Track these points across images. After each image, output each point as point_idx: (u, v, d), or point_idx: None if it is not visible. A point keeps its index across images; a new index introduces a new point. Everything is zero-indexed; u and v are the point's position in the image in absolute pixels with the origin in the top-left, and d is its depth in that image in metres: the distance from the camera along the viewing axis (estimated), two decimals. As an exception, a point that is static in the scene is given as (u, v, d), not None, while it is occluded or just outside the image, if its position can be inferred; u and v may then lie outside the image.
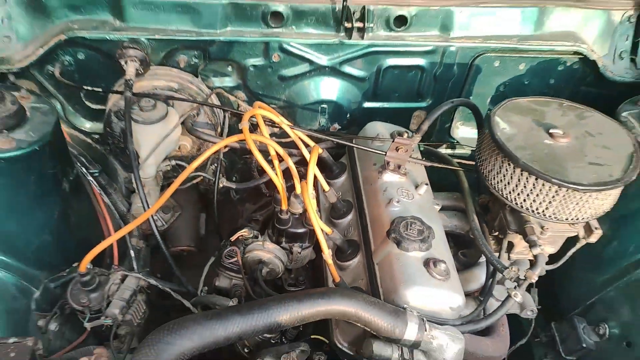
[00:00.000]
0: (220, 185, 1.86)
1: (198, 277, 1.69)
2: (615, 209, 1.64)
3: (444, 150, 2.17)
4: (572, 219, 1.38)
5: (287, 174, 1.58)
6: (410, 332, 1.24)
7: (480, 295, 1.59)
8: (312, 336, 1.52)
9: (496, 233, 1.62)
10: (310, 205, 1.39)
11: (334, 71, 1.92)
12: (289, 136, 1.66)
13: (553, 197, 1.35)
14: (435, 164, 1.72)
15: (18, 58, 1.75)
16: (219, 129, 1.95)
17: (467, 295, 1.64)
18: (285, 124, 1.62)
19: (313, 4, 1.77)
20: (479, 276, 1.66)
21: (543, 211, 1.38)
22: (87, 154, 1.93)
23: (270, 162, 1.55)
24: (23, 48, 1.75)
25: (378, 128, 1.83)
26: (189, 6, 1.73)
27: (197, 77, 1.89)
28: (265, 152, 1.56)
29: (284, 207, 1.57)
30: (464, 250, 1.77)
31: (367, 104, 2.04)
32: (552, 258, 1.64)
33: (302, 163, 1.64)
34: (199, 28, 1.78)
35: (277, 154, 1.54)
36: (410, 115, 2.08)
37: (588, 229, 1.51)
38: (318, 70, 1.91)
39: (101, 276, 1.51)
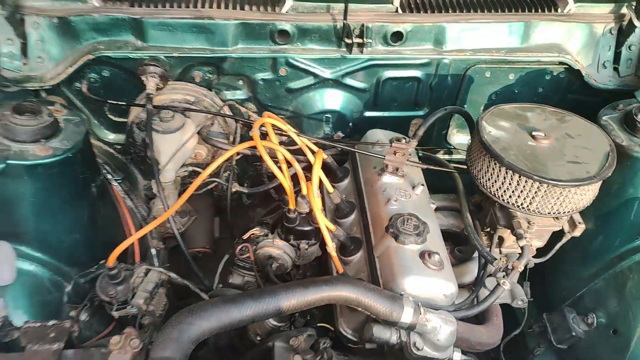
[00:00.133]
0: (233, 190, 2.02)
1: (213, 276, 1.83)
2: (599, 206, 1.78)
3: (441, 156, 2.30)
4: (554, 213, 1.51)
5: (295, 179, 1.73)
6: (407, 315, 1.37)
7: (474, 286, 1.72)
8: (319, 324, 1.65)
9: (488, 229, 1.75)
10: (315, 204, 1.54)
11: (336, 83, 2.08)
12: (296, 144, 1.81)
13: (535, 192, 1.48)
14: (431, 167, 1.86)
15: (50, 76, 1.92)
16: (231, 138, 2.11)
17: (462, 286, 1.78)
18: (292, 131, 1.78)
19: (316, 23, 1.93)
20: (473, 269, 1.78)
21: (527, 206, 1.52)
22: (111, 163, 2.10)
23: (279, 167, 1.70)
24: (54, 67, 1.93)
25: (378, 135, 1.98)
26: (203, 26, 1.90)
27: (211, 90, 2.05)
28: (274, 159, 1.71)
29: (292, 206, 1.72)
30: (460, 247, 1.90)
31: (368, 113, 2.19)
32: (541, 252, 1.77)
33: (308, 169, 1.79)
34: (213, 46, 1.94)
35: (285, 158, 1.70)
36: (409, 123, 2.22)
37: (572, 224, 1.65)
38: (322, 82, 2.07)
39: (126, 271, 1.65)
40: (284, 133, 1.83)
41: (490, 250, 1.69)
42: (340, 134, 2.22)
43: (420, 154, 2.12)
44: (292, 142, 1.83)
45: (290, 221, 1.75)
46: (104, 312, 1.68)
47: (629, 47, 2.06)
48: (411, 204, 1.70)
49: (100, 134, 2.18)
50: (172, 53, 1.93)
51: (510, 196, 1.53)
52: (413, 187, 1.77)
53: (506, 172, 1.49)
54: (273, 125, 1.79)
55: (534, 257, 1.73)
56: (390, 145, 1.77)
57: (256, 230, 1.78)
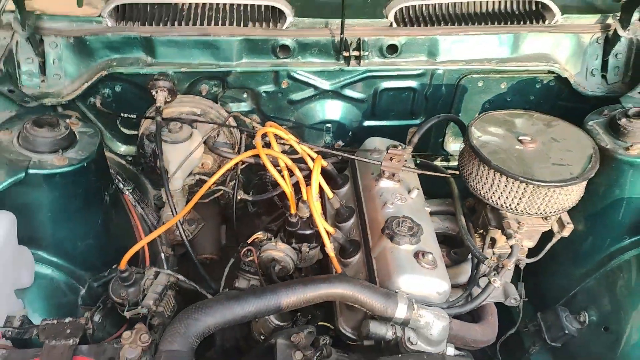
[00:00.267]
0: (238, 197, 2.12)
1: (220, 281, 1.92)
2: (589, 207, 1.86)
3: (438, 163, 2.39)
4: (541, 213, 1.59)
5: (296, 186, 1.82)
6: (400, 311, 1.45)
7: (467, 285, 1.79)
8: (320, 323, 1.73)
9: (481, 230, 1.83)
10: (314, 208, 1.63)
11: (336, 94, 2.18)
12: (298, 152, 1.90)
13: (522, 193, 1.56)
14: (426, 172, 1.95)
15: (66, 92, 2.04)
16: (236, 148, 2.21)
17: (458, 286, 1.85)
18: (292, 140, 1.88)
19: (315, 38, 2.04)
20: (468, 270, 1.85)
21: (515, 207, 1.60)
22: (122, 173, 2.21)
23: (281, 174, 1.79)
24: (70, 84, 2.05)
25: (376, 142, 2.07)
26: (209, 43, 2.02)
27: (217, 103, 2.16)
28: (277, 167, 1.81)
29: (293, 211, 1.81)
30: (456, 249, 1.97)
31: (367, 123, 2.29)
32: (534, 253, 1.84)
33: (310, 176, 1.88)
34: (218, 61, 2.06)
35: (286, 166, 1.79)
36: (406, 131, 2.31)
37: (561, 224, 1.72)
38: (322, 94, 2.17)
39: (137, 274, 1.75)
40: (286, 142, 1.92)
41: (482, 251, 1.76)
42: (340, 142, 2.32)
43: (418, 161, 2.21)
44: (294, 151, 1.93)
45: (291, 225, 1.84)
46: (117, 314, 1.77)
47: (616, 56, 2.15)
48: (407, 207, 1.78)
49: (113, 146, 2.29)
50: (180, 68, 2.05)
51: (499, 197, 1.61)
52: (409, 192, 1.85)
53: (494, 175, 1.58)
54: (275, 135, 1.88)
55: (525, 257, 1.80)
56: (387, 152, 1.86)
57: (260, 235, 1.87)
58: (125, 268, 1.68)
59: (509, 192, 1.58)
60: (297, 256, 1.88)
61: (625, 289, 1.78)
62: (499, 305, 1.89)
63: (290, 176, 1.84)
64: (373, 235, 1.75)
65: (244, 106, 2.20)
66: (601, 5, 2.18)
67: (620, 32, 2.08)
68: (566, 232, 1.70)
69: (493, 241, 1.77)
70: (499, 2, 2.17)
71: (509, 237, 1.63)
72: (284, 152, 2.19)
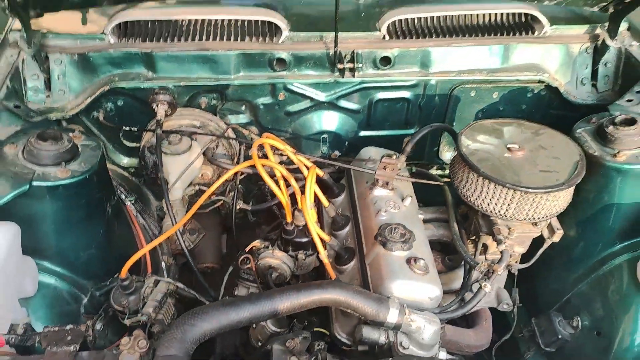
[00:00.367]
0: (238, 207, 2.17)
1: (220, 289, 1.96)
2: (580, 213, 1.90)
3: (434, 171, 2.43)
4: (530, 219, 1.63)
5: (294, 196, 1.86)
6: (392, 316, 1.48)
7: (460, 290, 1.82)
8: (315, 329, 1.77)
9: (473, 237, 1.86)
10: (308, 215, 1.67)
11: (332, 105, 2.24)
12: (295, 163, 1.95)
13: (511, 200, 1.60)
14: (419, 180, 1.99)
15: (70, 107, 2.11)
16: (235, 159, 2.27)
17: (452, 292, 1.88)
18: (289, 150, 1.93)
19: (310, 51, 2.10)
20: (462, 276, 1.89)
21: (504, 213, 1.64)
22: (125, 185, 2.27)
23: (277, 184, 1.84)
24: (74, 98, 2.13)
25: (371, 152, 2.11)
26: (207, 57, 2.09)
27: (216, 115, 2.23)
28: (274, 177, 1.86)
29: (289, 219, 1.86)
30: (450, 255, 2.01)
31: (362, 133, 2.34)
32: (527, 259, 1.87)
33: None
34: (217, 75, 2.12)
35: (282, 175, 1.84)
36: (402, 141, 2.35)
37: (551, 230, 1.75)
38: (318, 105, 2.23)
39: (138, 282, 1.80)
40: (283, 153, 1.98)
41: (475, 257, 1.80)
42: (337, 152, 2.37)
43: (413, 170, 2.25)
44: (292, 161, 1.98)
45: (288, 233, 1.88)
46: (118, 322, 1.81)
47: (605, 65, 2.19)
48: (400, 215, 1.82)
49: (116, 159, 2.36)
50: (179, 82, 2.12)
51: (488, 204, 1.65)
52: (402, 199, 1.90)
53: (483, 182, 1.62)
54: (272, 146, 1.94)
55: (519, 262, 1.83)
56: (380, 161, 1.91)
57: (257, 243, 1.91)
58: (125, 276, 1.73)
59: (498, 199, 1.62)
60: (294, 263, 1.92)
61: (616, 294, 1.80)
62: (495, 310, 1.92)
63: (288, 186, 1.89)
64: (367, 242, 1.79)
65: (243, 118, 2.26)
66: (589, 16, 2.23)
67: (609, 42, 2.12)
68: (556, 238, 1.73)
69: (485, 247, 1.80)
70: (489, 14, 2.23)
71: (499, 242, 1.66)
72: (282, 162, 2.26)
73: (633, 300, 1.74)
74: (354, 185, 2.06)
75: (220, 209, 2.34)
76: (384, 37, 2.15)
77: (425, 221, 1.99)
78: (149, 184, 2.35)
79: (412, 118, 2.30)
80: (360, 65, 2.12)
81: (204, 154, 2.09)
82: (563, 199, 1.62)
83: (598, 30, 2.17)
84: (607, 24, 2.14)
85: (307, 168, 1.92)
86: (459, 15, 2.22)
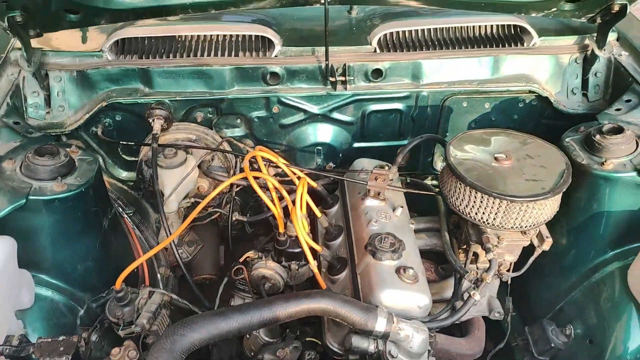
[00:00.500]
0: (234, 219, 2.20)
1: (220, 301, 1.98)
2: (571, 221, 1.91)
3: (429, 181, 2.45)
4: (517, 227, 1.64)
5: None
6: (380, 325, 1.49)
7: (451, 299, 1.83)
8: (308, 338, 1.78)
9: (464, 246, 1.88)
10: (298, 226, 1.70)
11: (325, 118, 2.27)
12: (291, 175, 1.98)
13: (497, 208, 1.62)
14: (410, 190, 2.01)
15: (69, 122, 2.17)
16: (231, 172, 2.30)
17: (444, 301, 1.89)
18: (281, 162, 1.96)
19: (303, 65, 2.14)
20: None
21: (492, 222, 1.65)
22: (124, 198, 2.31)
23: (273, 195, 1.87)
24: (74, 114, 2.18)
25: (364, 163, 2.14)
26: (202, 72, 2.14)
27: (211, 129, 2.27)
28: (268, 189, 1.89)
29: (281, 230, 1.88)
30: (443, 265, 2.02)
31: (356, 144, 2.37)
32: (519, 267, 1.88)
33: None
34: (211, 89, 2.17)
35: (274, 187, 1.87)
36: (395, 152, 2.38)
37: (540, 238, 1.76)
38: (312, 118, 2.26)
39: (133, 294, 1.83)
40: (275, 165, 2.01)
41: (465, 266, 1.81)
42: (331, 164, 2.40)
43: (408, 180, 2.27)
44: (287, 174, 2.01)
45: (280, 244, 1.91)
46: (114, 334, 1.83)
47: (595, 74, 2.21)
48: (391, 225, 1.84)
49: (115, 172, 2.41)
50: (175, 97, 2.16)
51: (476, 213, 1.66)
52: (394, 210, 1.92)
53: (470, 191, 1.64)
54: (267, 158, 1.97)
55: (509, 271, 1.84)
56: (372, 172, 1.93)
57: (251, 254, 1.94)
58: (120, 288, 1.76)
59: (485, 208, 1.63)
60: (287, 274, 1.94)
61: (608, 302, 1.81)
62: (491, 319, 1.92)
63: (281, 198, 1.92)
64: (358, 252, 1.81)
65: (238, 131, 2.30)
66: (578, 27, 2.26)
67: (597, 52, 2.15)
68: (546, 246, 1.74)
69: (476, 256, 1.81)
70: (479, 26, 2.26)
71: (487, 251, 1.68)
72: (277, 174, 2.29)
73: (625, 308, 1.75)
74: (347, 196, 2.09)
75: (218, 221, 2.38)
76: (375, 50, 2.18)
77: (418, 231, 2.01)
78: (147, 197, 2.39)
79: (406, 129, 2.32)
80: (352, 78, 2.16)
81: (199, 167, 2.13)
82: (550, 207, 1.63)
83: (587, 41, 2.20)
84: (595, 34, 2.16)
85: (299, 179, 1.95)
86: (448, 27, 2.25)
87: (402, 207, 1.92)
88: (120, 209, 2.17)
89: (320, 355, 1.73)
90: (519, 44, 2.23)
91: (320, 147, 2.34)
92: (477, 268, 1.85)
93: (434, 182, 2.49)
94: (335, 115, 2.27)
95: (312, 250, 1.79)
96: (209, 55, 2.17)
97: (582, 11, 2.04)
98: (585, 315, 1.86)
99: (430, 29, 2.25)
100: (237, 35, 2.22)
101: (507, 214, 1.62)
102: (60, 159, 1.76)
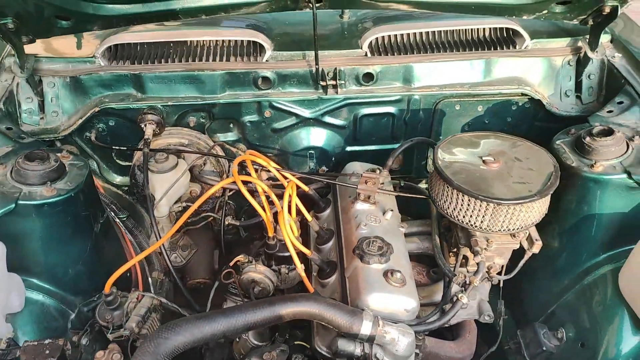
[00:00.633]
0: (226, 222, 2.21)
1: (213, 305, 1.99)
2: (563, 224, 1.90)
3: (423, 185, 2.44)
4: (505, 230, 1.63)
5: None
6: (365, 328, 1.49)
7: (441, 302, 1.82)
8: (296, 342, 1.78)
9: (454, 249, 1.87)
10: (284, 229, 1.70)
11: (317, 122, 2.28)
12: (284, 179, 1.98)
13: (485, 211, 1.61)
14: (401, 194, 2.01)
15: (63, 128, 2.19)
16: (224, 176, 2.31)
17: (435, 304, 1.88)
18: (271, 166, 1.96)
19: (293, 69, 2.15)
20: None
21: (480, 225, 1.64)
22: (118, 203, 2.32)
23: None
24: (67, 120, 2.20)
25: (356, 167, 2.14)
26: (194, 77, 2.15)
27: (204, 133, 2.28)
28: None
29: (270, 234, 1.89)
30: (435, 268, 2.01)
31: (349, 148, 2.37)
32: (511, 270, 1.86)
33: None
34: (203, 94, 2.18)
35: (263, 190, 1.88)
36: (388, 155, 2.38)
37: (530, 241, 1.75)
38: (304, 122, 2.27)
39: (123, 297, 1.83)
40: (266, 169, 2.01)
41: (455, 269, 1.80)
42: (324, 168, 2.40)
43: (402, 184, 2.27)
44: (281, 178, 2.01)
45: (270, 247, 1.91)
46: (104, 337, 1.85)
47: (589, 76, 2.20)
48: (380, 228, 1.84)
49: (109, 177, 2.42)
50: (167, 102, 2.18)
51: (464, 216, 1.66)
52: (384, 213, 1.92)
53: (457, 194, 1.63)
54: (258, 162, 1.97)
55: (499, 274, 1.83)
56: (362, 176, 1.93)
57: (241, 257, 1.94)
58: (109, 292, 1.77)
59: (472, 211, 1.63)
60: (277, 278, 1.94)
61: (600, 305, 1.79)
62: (486, 323, 1.91)
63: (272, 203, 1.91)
64: (347, 255, 1.81)
65: (231, 136, 2.31)
66: (572, 29, 2.25)
67: (590, 54, 2.14)
68: (536, 249, 1.73)
69: (466, 259, 1.80)
70: (470, 29, 2.26)
71: (475, 254, 1.67)
72: (269, 179, 2.30)
73: (617, 311, 1.73)
74: (339, 199, 2.08)
75: (213, 225, 2.38)
76: (365, 54, 2.19)
77: (411, 234, 2.01)
78: (142, 202, 2.40)
79: (398, 132, 2.32)
80: (343, 82, 2.16)
81: (190, 171, 2.14)
82: (537, 209, 1.62)
83: (580, 43, 2.19)
84: (588, 36, 2.15)
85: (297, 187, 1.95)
86: (440, 31, 2.25)
87: (392, 210, 1.91)
88: (113, 214, 2.18)
89: (309, 358, 1.73)
90: (511, 46, 2.22)
91: (312, 151, 2.35)
92: (468, 271, 1.84)
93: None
94: (328, 119, 2.27)
95: (302, 254, 1.79)
96: (200, 60, 2.19)
97: (574, 13, 2.03)
98: (577, 318, 1.85)
99: (421, 32, 2.25)
100: (229, 41, 2.24)
101: (494, 216, 1.61)
102: (50, 164, 1.77)
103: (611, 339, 1.72)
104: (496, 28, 2.25)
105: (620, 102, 2.01)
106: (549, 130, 2.22)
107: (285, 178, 1.94)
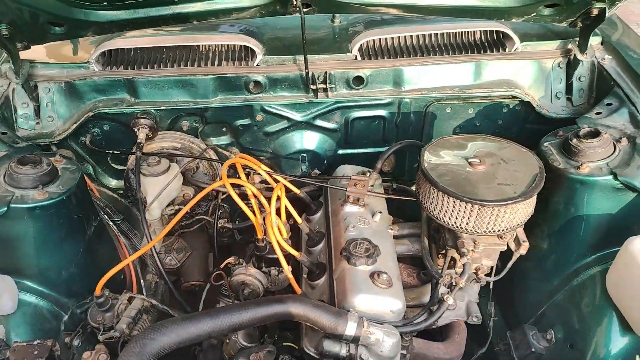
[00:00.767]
0: (219, 225, 2.23)
1: (208, 307, 2.00)
2: (552, 225, 1.90)
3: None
4: (490, 231, 1.64)
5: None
6: (350, 329, 1.50)
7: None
8: (285, 343, 1.80)
9: (443, 251, 1.88)
10: (271, 231, 1.72)
11: (309, 125, 2.29)
12: (276, 182, 1.99)
13: (470, 213, 1.62)
14: (391, 196, 2.02)
15: (58, 132, 2.22)
16: (217, 179, 2.33)
17: (423, 306, 1.89)
18: (261, 169, 1.98)
19: (284, 73, 2.18)
20: (436, 290, 1.90)
21: (465, 226, 1.65)
22: (114, 206, 2.34)
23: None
24: (62, 124, 2.23)
25: (347, 170, 2.15)
26: (186, 82, 2.18)
27: (197, 137, 2.30)
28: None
29: (259, 236, 1.90)
30: (425, 270, 2.02)
31: (341, 151, 2.39)
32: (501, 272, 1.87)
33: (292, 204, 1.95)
34: (195, 98, 2.21)
35: (253, 193, 1.90)
36: (379, 158, 2.40)
37: (517, 242, 1.76)
38: (295, 125, 2.29)
39: (114, 299, 1.86)
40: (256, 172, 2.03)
41: (443, 271, 1.80)
42: (316, 171, 2.42)
43: (394, 186, 2.28)
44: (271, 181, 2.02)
45: (259, 250, 1.93)
46: (96, 339, 1.87)
47: (579, 79, 2.20)
48: (369, 230, 1.85)
49: (104, 181, 2.45)
50: (160, 106, 2.21)
51: (449, 218, 1.67)
52: (373, 215, 1.93)
53: (442, 196, 1.64)
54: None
55: (489, 275, 1.84)
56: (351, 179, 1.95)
57: (231, 260, 1.96)
58: (100, 294, 1.79)
59: (458, 212, 1.64)
60: (267, 279, 1.96)
61: (589, 306, 1.79)
62: (478, 325, 1.91)
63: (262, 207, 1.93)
64: (336, 257, 1.82)
65: (224, 139, 2.33)
66: (562, 31, 2.25)
67: (579, 56, 2.14)
68: (523, 250, 1.73)
69: (454, 261, 1.81)
70: (460, 32, 2.27)
71: (461, 255, 1.68)
72: (262, 182, 2.31)
73: (605, 313, 1.73)
74: (330, 202, 2.10)
75: (208, 228, 2.40)
76: (355, 58, 2.21)
77: (402, 237, 2.02)
78: (136, 205, 2.42)
79: (390, 135, 2.33)
80: (333, 85, 2.18)
81: (183, 175, 2.16)
82: (522, 211, 1.63)
83: (570, 45, 2.19)
84: (577, 38, 2.16)
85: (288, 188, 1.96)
86: (430, 34, 2.26)
87: (381, 212, 1.93)
88: (107, 217, 2.20)
89: (297, 359, 1.74)
90: (500, 49, 2.23)
91: (305, 154, 2.37)
92: (456, 273, 1.85)
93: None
94: (319, 122, 2.29)
95: (292, 255, 1.80)
96: (192, 65, 2.22)
97: (562, 16, 2.03)
98: (566, 319, 1.85)
99: (412, 35, 2.26)
100: (221, 45, 2.26)
101: (479, 218, 1.62)
102: (43, 167, 1.80)
103: (599, 340, 1.72)
104: (486, 31, 2.26)
105: (609, 104, 2.02)
106: (540, 133, 2.22)
107: (277, 181, 1.96)
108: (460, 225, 1.66)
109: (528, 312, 2.01)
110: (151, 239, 1.94)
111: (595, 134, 1.80)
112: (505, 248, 1.77)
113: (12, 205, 1.70)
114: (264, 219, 1.90)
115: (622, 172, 1.71)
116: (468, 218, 1.64)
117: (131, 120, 2.17)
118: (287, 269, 1.71)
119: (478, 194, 1.61)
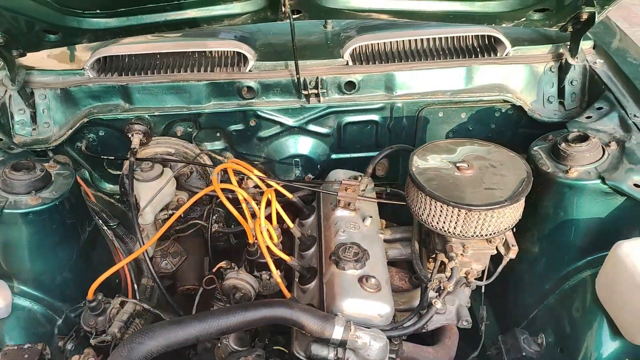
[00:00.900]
0: (213, 229, 2.24)
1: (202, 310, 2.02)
2: (542, 229, 1.91)
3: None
4: (477, 235, 1.64)
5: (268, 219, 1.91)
6: (337, 333, 1.51)
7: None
8: (275, 347, 1.81)
9: (433, 255, 1.88)
10: (260, 236, 1.73)
11: (302, 130, 2.31)
12: (269, 187, 2.01)
13: (457, 217, 1.63)
14: (381, 200, 2.03)
15: (54, 138, 2.25)
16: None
17: (413, 310, 1.89)
18: (252, 174, 2.00)
19: (276, 79, 2.19)
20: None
21: (453, 230, 1.66)
22: (109, 211, 2.36)
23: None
24: (58, 130, 2.26)
25: (339, 174, 2.17)
26: (179, 87, 2.20)
27: (191, 142, 2.33)
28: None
29: (250, 240, 1.92)
30: (416, 274, 2.02)
31: (334, 156, 2.40)
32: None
33: (285, 207, 1.97)
34: (189, 104, 2.23)
35: (243, 198, 1.91)
36: (371, 163, 2.40)
37: (507, 246, 1.76)
38: (288, 130, 2.31)
39: (106, 303, 1.88)
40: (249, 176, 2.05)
41: (433, 275, 1.81)
42: (310, 175, 2.43)
43: (388, 190, 2.29)
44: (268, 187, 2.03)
45: (251, 254, 1.95)
46: (89, 342, 1.89)
47: (571, 82, 2.21)
48: (359, 235, 1.86)
49: (100, 186, 2.47)
50: (154, 112, 2.23)
51: (437, 222, 1.67)
52: (363, 220, 1.94)
53: (430, 201, 1.65)
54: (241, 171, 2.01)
55: (479, 279, 1.84)
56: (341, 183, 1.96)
57: (223, 264, 1.97)
58: (93, 298, 1.81)
59: (445, 217, 1.64)
60: (259, 284, 1.97)
61: (580, 310, 1.78)
62: (471, 329, 1.91)
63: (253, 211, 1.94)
64: (326, 262, 1.83)
65: (218, 145, 2.35)
66: (554, 36, 2.26)
67: (570, 60, 2.15)
68: (512, 254, 1.74)
69: (443, 265, 1.82)
70: (452, 37, 2.28)
71: (450, 259, 1.68)
72: (255, 186, 2.33)
73: (595, 317, 1.72)
74: (322, 206, 2.11)
75: (203, 233, 2.42)
76: (347, 63, 2.22)
77: (395, 241, 2.03)
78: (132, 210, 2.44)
79: (383, 140, 2.34)
80: (325, 90, 2.20)
81: (177, 180, 2.18)
82: (509, 215, 1.63)
83: (561, 50, 2.20)
84: (569, 42, 2.16)
85: (280, 193, 1.98)
86: (421, 39, 2.28)
87: (371, 217, 1.94)
88: (103, 222, 2.22)
89: (286, 362, 1.76)
90: (492, 54, 2.24)
91: (298, 159, 2.38)
92: (445, 277, 1.85)
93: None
94: (312, 127, 2.31)
95: (282, 260, 1.82)
96: (185, 71, 2.24)
97: (552, 20, 2.04)
98: (557, 323, 1.85)
99: (403, 40, 2.27)
100: (214, 52, 2.29)
101: (467, 222, 1.63)
102: (36, 173, 1.83)
103: (589, 344, 1.72)
104: (477, 36, 2.27)
105: (600, 108, 2.02)
106: (532, 137, 2.22)
107: (269, 186, 1.98)
108: (448, 229, 1.67)
109: (520, 316, 2.01)
110: (143, 243, 1.96)
111: (583, 138, 1.80)
112: (495, 252, 1.77)
113: (6, 211, 1.73)
114: (255, 224, 1.92)
115: (610, 176, 1.71)
116: (456, 222, 1.64)
117: (125, 126, 2.20)
118: (275, 273, 1.72)
119: (465, 198, 1.62)
